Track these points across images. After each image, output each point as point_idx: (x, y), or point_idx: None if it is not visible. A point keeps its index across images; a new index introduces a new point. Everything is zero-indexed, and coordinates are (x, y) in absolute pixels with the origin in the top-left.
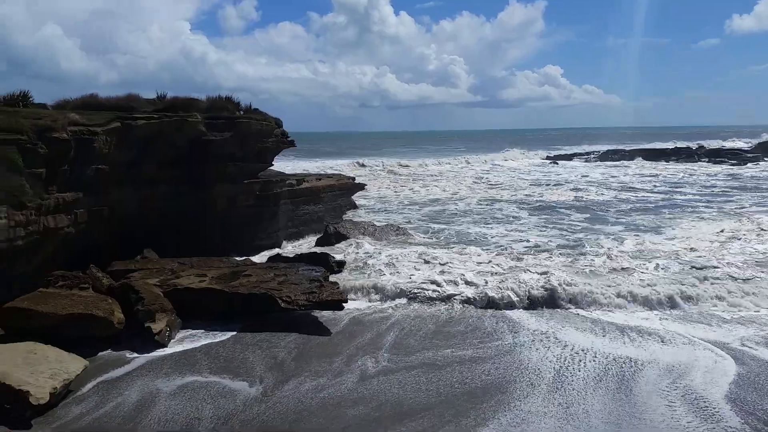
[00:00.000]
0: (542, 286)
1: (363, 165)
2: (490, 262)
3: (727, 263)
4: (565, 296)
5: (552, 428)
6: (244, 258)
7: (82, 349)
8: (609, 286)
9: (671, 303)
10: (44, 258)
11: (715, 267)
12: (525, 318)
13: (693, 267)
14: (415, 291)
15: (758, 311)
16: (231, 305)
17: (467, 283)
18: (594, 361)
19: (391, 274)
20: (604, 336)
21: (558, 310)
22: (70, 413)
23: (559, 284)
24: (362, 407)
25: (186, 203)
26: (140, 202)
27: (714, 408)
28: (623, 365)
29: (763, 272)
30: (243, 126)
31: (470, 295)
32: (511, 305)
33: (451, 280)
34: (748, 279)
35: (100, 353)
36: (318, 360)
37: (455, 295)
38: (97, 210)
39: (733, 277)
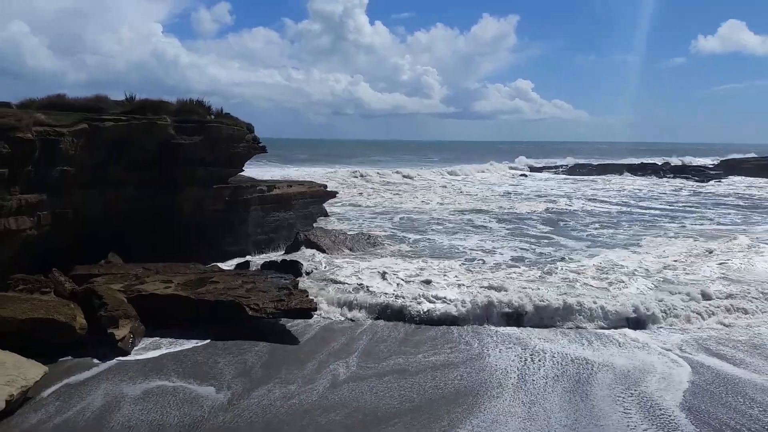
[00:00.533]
0: (510, 306)
1: (335, 173)
2: (458, 279)
3: (692, 280)
4: (533, 316)
5: (518, 427)
6: (211, 264)
7: (42, 355)
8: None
9: (637, 319)
10: (4, 261)
11: (682, 283)
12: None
13: (662, 282)
14: (384, 305)
15: (716, 322)
16: (197, 312)
17: (437, 298)
18: (552, 360)
19: (359, 285)
20: (563, 338)
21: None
22: (29, 420)
23: (527, 306)
24: (334, 414)
25: (154, 207)
26: (106, 205)
27: (669, 416)
28: (580, 367)
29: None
30: (213, 130)
31: (437, 315)
32: (480, 322)
33: (420, 295)
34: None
35: (61, 359)
36: (288, 367)
37: (424, 312)
38: (61, 212)
39: (693, 295)
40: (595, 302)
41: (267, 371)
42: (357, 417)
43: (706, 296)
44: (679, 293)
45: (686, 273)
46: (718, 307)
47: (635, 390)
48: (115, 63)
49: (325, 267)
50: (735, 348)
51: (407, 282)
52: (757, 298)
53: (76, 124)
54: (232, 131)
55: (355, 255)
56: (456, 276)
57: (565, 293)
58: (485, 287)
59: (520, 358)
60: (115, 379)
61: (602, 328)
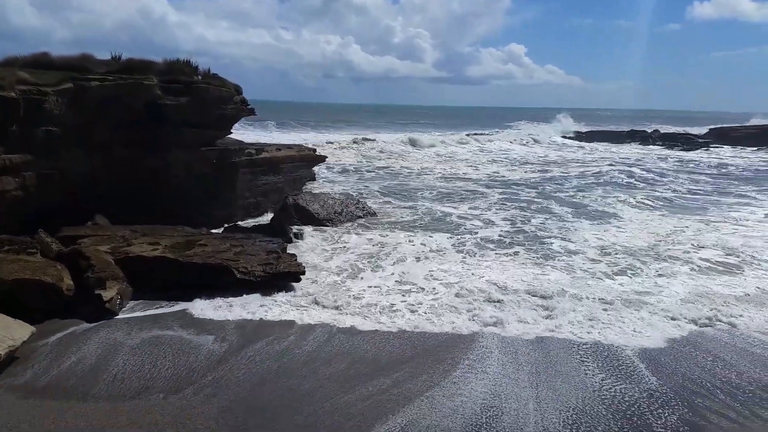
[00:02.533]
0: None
1: (327, 138)
2: (443, 265)
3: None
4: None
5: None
6: (199, 228)
7: (29, 316)
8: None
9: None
10: None
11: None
12: None
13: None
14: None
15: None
16: (184, 275)
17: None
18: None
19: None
20: None
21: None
22: (18, 379)
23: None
24: (336, 364)
25: (140, 170)
26: (92, 167)
27: (630, 368)
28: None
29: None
30: (201, 91)
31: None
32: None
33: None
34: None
35: (48, 321)
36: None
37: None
38: (46, 173)
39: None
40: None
41: (263, 326)
42: (358, 367)
43: None
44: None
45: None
46: None
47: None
48: (102, 21)
49: (312, 235)
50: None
51: (392, 276)
52: None
53: (61, 84)
54: (220, 92)
55: (341, 229)
56: (439, 266)
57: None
58: (482, 299)
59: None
60: (103, 338)
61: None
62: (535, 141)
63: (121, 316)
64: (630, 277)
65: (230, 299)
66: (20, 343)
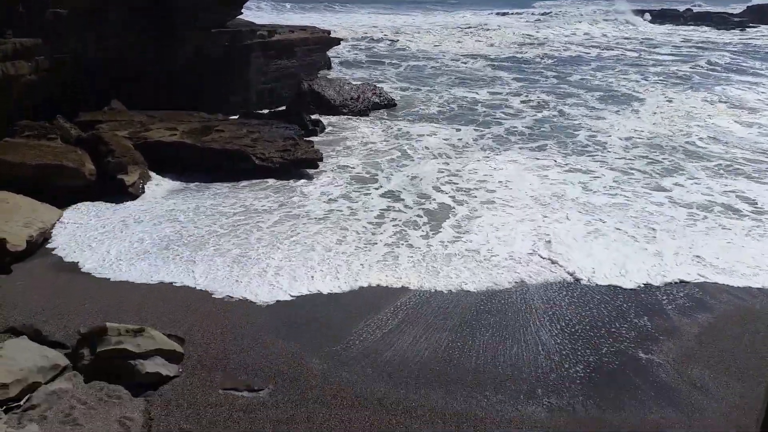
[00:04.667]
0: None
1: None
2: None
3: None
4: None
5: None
6: (215, 114)
7: (53, 200)
8: None
9: None
10: (7, 108)
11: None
12: None
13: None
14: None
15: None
16: (203, 160)
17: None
18: None
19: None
20: None
21: None
22: (50, 259)
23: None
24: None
25: (152, 54)
26: (104, 51)
27: None
28: None
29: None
30: None
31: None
32: None
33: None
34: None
35: (73, 204)
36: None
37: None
38: (59, 57)
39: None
40: None
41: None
42: None
43: None
44: None
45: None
46: None
47: None
48: None
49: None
50: None
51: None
52: None
53: None
54: None
55: (357, 119)
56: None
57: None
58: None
59: None
60: (126, 218)
61: None
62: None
63: (142, 199)
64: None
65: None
66: (50, 225)
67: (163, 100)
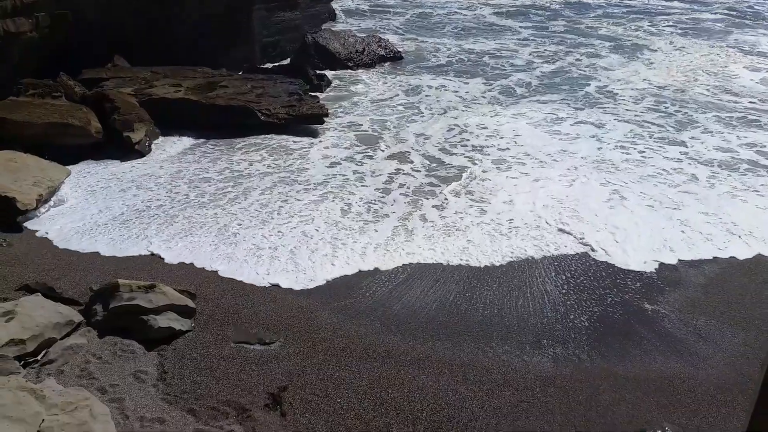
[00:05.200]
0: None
1: None
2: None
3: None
4: None
5: None
6: (219, 69)
7: (60, 159)
8: None
9: None
10: (10, 66)
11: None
12: None
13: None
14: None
15: None
16: (208, 117)
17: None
18: None
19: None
20: None
21: None
22: (59, 217)
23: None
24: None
25: (157, 9)
26: (106, 7)
27: None
28: None
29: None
30: None
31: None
32: None
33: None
34: None
35: (81, 161)
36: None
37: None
38: (60, 13)
39: None
40: None
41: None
42: None
43: None
44: None
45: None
46: None
47: None
48: None
49: (334, 76)
50: None
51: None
52: None
53: None
54: None
55: (364, 72)
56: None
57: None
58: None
59: None
60: (134, 175)
61: None
62: None
63: (150, 157)
64: None
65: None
66: (58, 184)
67: (167, 54)
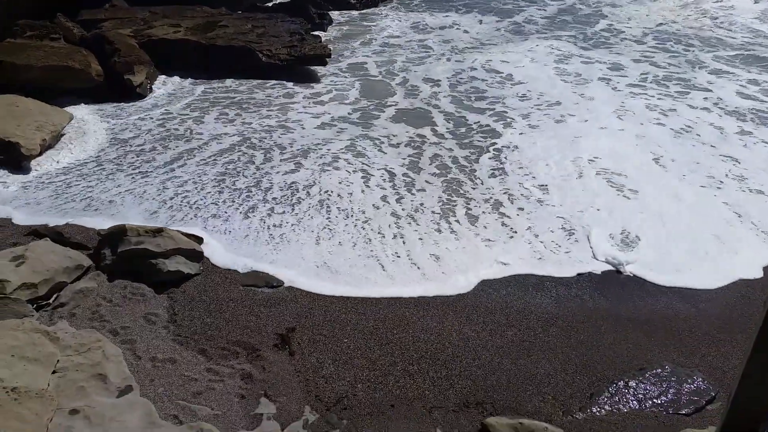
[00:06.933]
0: None
1: None
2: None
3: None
4: None
5: None
6: (218, 7)
7: (62, 102)
8: None
9: None
10: (4, 7)
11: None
12: None
13: None
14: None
15: None
16: (208, 57)
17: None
18: None
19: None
20: None
21: None
22: (66, 160)
23: None
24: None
25: None
26: None
27: None
28: None
29: None
30: None
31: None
32: None
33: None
34: None
35: (82, 104)
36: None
37: None
38: None
39: None
40: None
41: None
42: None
43: None
44: None
45: None
46: None
47: None
48: None
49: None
50: None
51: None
52: None
53: None
54: None
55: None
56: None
57: None
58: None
59: None
60: (134, 115)
61: None
62: None
63: (151, 98)
64: None
65: None
66: (61, 129)
67: None
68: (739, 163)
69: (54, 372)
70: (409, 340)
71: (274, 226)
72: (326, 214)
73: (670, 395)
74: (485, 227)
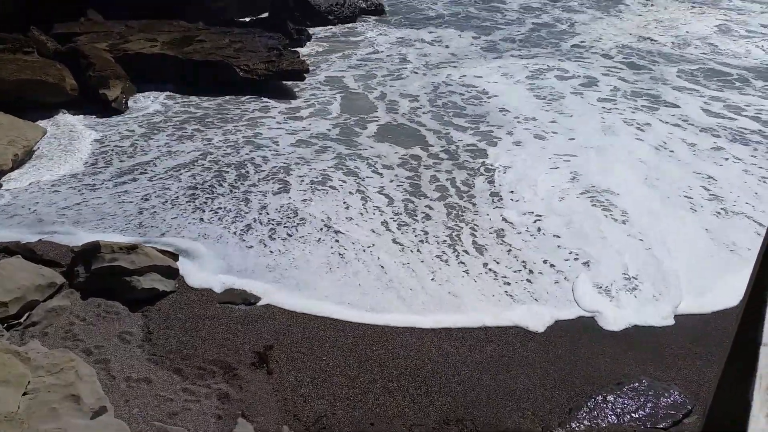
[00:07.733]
0: None
1: None
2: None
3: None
4: None
5: None
6: (195, 22)
7: (35, 117)
8: None
9: None
10: None
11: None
12: None
13: None
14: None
15: None
16: (185, 72)
17: None
18: None
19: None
20: None
21: None
22: (38, 175)
23: None
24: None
25: None
26: None
27: None
28: None
29: None
30: None
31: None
32: None
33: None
34: None
35: (56, 119)
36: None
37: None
38: None
39: None
40: None
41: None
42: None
43: None
44: None
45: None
46: None
47: None
48: None
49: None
50: None
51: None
52: None
53: None
54: None
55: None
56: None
57: None
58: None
59: None
60: (110, 130)
61: None
62: None
63: (127, 114)
64: None
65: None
66: (34, 143)
67: (141, 8)
68: (716, 181)
69: (25, 393)
70: (389, 357)
71: (255, 243)
72: (302, 232)
73: (647, 409)
74: (465, 254)
